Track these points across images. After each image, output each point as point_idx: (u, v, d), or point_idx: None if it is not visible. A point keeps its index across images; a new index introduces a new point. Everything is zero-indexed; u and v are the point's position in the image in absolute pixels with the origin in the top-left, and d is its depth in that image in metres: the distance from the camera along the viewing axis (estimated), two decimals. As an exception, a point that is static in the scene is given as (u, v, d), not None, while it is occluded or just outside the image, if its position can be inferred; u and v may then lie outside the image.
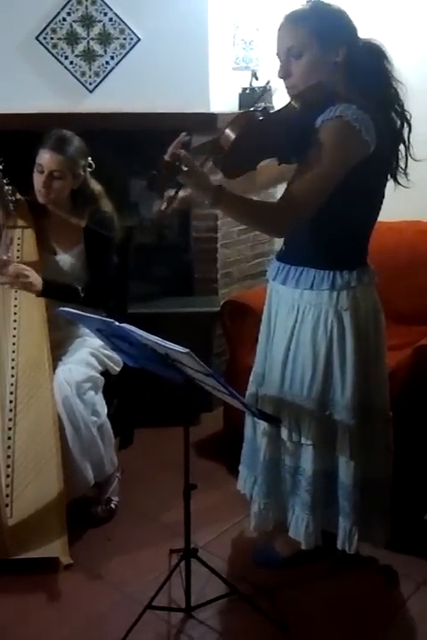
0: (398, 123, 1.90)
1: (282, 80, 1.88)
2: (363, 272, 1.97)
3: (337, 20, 1.85)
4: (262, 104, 1.88)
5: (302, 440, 2.03)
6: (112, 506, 2.55)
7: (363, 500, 2.04)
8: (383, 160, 1.88)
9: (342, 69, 1.84)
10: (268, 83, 3.33)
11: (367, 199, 1.92)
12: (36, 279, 2.35)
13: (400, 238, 3.02)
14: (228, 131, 1.77)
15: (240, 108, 3.34)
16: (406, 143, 1.91)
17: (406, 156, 1.92)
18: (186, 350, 1.66)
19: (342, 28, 1.84)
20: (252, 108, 1.84)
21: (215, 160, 1.81)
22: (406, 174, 1.93)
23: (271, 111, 1.85)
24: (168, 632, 2.02)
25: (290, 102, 1.84)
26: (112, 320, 1.85)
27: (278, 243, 3.64)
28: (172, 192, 1.93)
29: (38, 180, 2.45)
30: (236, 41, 3.31)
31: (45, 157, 2.43)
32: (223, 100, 3.25)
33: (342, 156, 1.79)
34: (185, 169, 1.73)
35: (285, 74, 1.86)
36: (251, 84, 3.32)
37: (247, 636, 2.03)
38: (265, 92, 1.98)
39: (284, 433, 2.04)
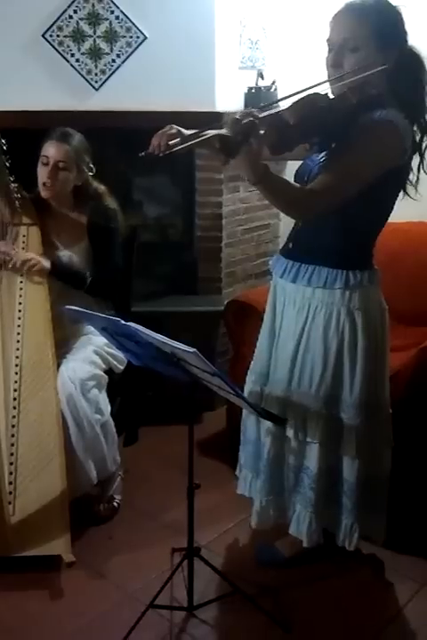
0: (419, 136, 1.89)
1: (328, 68, 1.84)
2: (373, 272, 1.99)
3: (396, 22, 1.83)
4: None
5: (307, 438, 2.03)
6: (114, 504, 2.55)
7: (364, 497, 2.05)
8: (406, 169, 1.90)
9: (388, 73, 1.82)
10: (273, 83, 3.36)
11: (386, 203, 1.94)
12: (43, 259, 2.42)
13: (405, 240, 3.02)
14: (291, 110, 1.71)
15: (246, 107, 3.33)
16: (422, 157, 1.91)
17: (418, 169, 1.92)
18: (193, 349, 1.66)
19: (399, 31, 1.83)
20: (313, 92, 1.77)
21: (271, 137, 1.74)
22: (415, 187, 1.94)
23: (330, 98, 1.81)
24: (170, 631, 2.01)
25: (345, 93, 1.78)
26: (118, 319, 1.85)
27: (282, 242, 3.67)
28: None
29: (43, 172, 2.47)
30: (242, 40, 3.31)
31: (51, 149, 2.45)
32: (229, 100, 3.25)
33: (384, 157, 1.81)
34: (252, 140, 1.67)
35: (337, 63, 1.82)
36: (257, 84, 3.32)
37: (250, 636, 2.02)
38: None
39: (289, 431, 2.05)
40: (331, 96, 1.82)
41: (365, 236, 1.97)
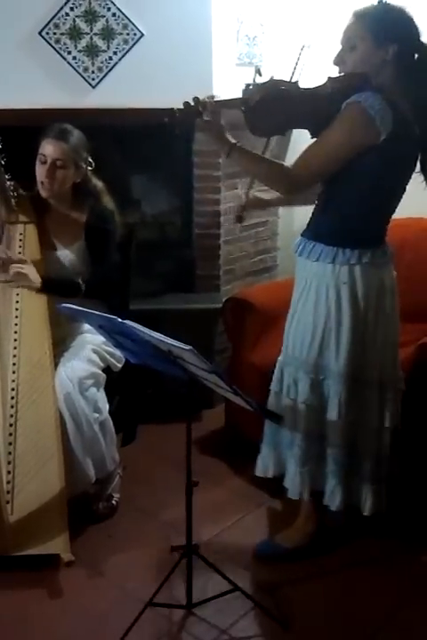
0: None
1: (336, 66, 2.04)
2: (364, 253, 2.07)
3: (394, 20, 1.99)
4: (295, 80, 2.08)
5: (298, 399, 2.17)
6: (113, 502, 2.55)
7: (351, 463, 2.16)
8: (404, 155, 2.01)
9: (392, 66, 1.98)
10: (271, 78, 3.35)
11: (373, 186, 2.03)
12: (34, 277, 2.36)
13: (404, 235, 3.00)
14: (254, 90, 2.00)
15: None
16: None
17: None
18: (189, 347, 1.66)
19: (398, 29, 1.98)
20: (279, 78, 2.04)
21: (244, 115, 2.03)
22: None
23: (302, 86, 2.04)
24: (169, 629, 2.02)
25: (325, 83, 2.01)
26: (115, 317, 1.85)
27: (281, 239, 3.67)
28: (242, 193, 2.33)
29: (41, 170, 2.46)
30: (239, 36, 3.30)
31: (48, 147, 2.43)
32: (227, 96, 3.23)
33: (349, 136, 1.97)
34: (205, 116, 1.98)
35: (338, 62, 2.03)
36: (254, 80, 3.30)
37: (248, 633, 2.02)
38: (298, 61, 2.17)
39: (284, 391, 2.21)
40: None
41: (355, 218, 2.07)
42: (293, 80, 2.08)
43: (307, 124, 2.06)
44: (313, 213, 2.19)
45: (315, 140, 2.03)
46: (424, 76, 2.00)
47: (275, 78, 2.05)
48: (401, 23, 2.00)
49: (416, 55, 2.01)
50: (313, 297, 2.13)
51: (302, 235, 2.22)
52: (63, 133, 2.46)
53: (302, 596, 2.15)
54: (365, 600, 2.14)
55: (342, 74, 2.02)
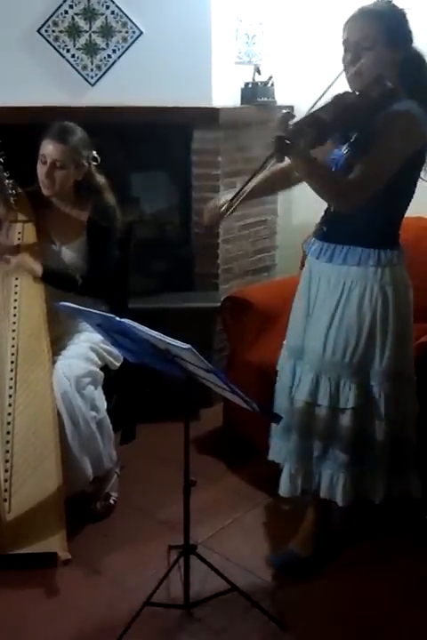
0: None
1: (346, 67, 2.01)
2: (400, 252, 2.14)
3: (403, 22, 2.02)
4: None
5: (340, 405, 2.14)
6: (111, 501, 2.55)
7: (395, 456, 2.17)
8: (424, 153, 2.05)
9: (397, 68, 2.01)
10: (270, 78, 3.35)
11: (410, 186, 2.09)
12: (35, 265, 2.41)
13: (404, 234, 2.99)
14: (329, 108, 1.92)
15: (242, 102, 3.33)
16: None
17: None
18: (187, 346, 1.65)
19: (406, 31, 2.02)
20: (342, 91, 1.99)
21: (312, 133, 1.91)
22: None
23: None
24: (167, 629, 2.01)
25: (364, 92, 2.00)
26: (112, 315, 1.84)
27: (280, 238, 3.67)
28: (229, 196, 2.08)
29: (41, 170, 2.46)
30: (239, 35, 3.30)
31: (48, 148, 2.43)
32: (226, 95, 3.24)
33: (406, 144, 1.98)
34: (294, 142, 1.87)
35: (355, 60, 1.99)
36: (253, 79, 3.31)
37: (245, 633, 2.02)
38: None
39: (323, 399, 2.15)
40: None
41: (393, 218, 2.13)
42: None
43: (342, 132, 2.04)
44: (336, 217, 2.12)
45: (371, 151, 1.97)
46: (423, 76, 2.02)
47: (339, 93, 1.97)
48: (407, 24, 2.02)
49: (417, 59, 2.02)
50: (355, 300, 2.10)
51: (320, 239, 2.18)
52: (63, 134, 2.45)
53: (301, 595, 2.15)
54: (365, 600, 2.13)
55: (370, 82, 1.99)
